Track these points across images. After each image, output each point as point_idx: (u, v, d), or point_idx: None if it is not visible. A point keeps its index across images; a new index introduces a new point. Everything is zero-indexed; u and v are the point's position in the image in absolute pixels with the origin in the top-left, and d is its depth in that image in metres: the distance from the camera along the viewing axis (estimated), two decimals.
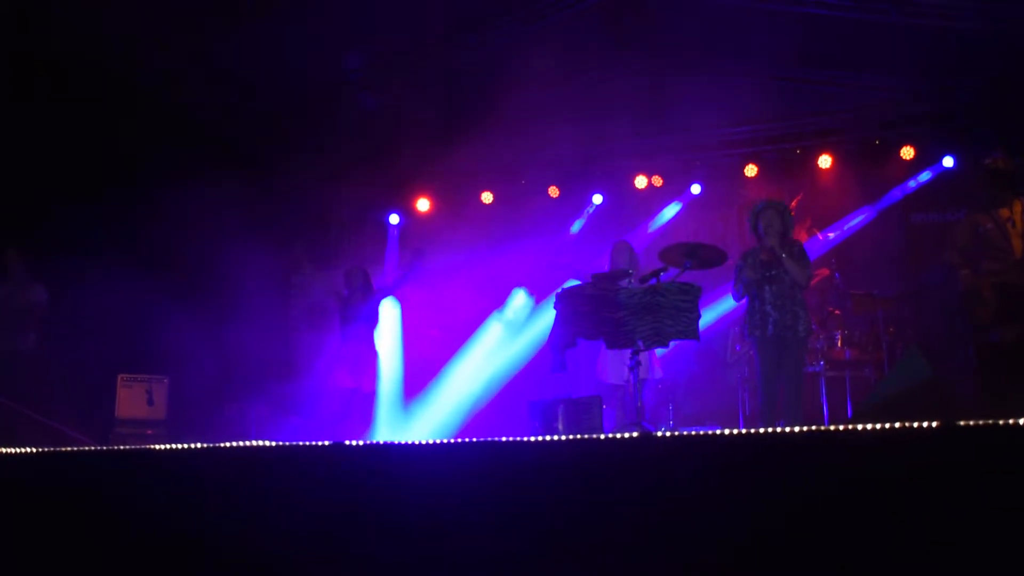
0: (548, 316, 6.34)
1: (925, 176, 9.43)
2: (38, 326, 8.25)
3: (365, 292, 8.49)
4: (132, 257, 8.26)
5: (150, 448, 4.58)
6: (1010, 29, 8.02)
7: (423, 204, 11.18)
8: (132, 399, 8.64)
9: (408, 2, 8.42)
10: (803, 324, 6.25)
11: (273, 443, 4.21)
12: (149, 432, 8.51)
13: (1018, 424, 2.61)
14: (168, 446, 4.23)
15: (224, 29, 8.28)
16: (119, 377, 8.62)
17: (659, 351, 7.24)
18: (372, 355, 8.49)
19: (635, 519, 3.07)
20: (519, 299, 10.15)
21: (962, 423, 2.72)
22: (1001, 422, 2.64)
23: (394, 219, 11.28)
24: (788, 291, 6.25)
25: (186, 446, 4.15)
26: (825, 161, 9.74)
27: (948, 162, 9.31)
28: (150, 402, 8.68)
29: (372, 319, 8.46)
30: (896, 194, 9.53)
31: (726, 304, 9.11)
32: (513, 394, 9.19)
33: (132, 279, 8.04)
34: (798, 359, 6.31)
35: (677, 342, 6.53)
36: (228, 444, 4.26)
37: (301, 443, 4.19)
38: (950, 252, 6.47)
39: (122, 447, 4.81)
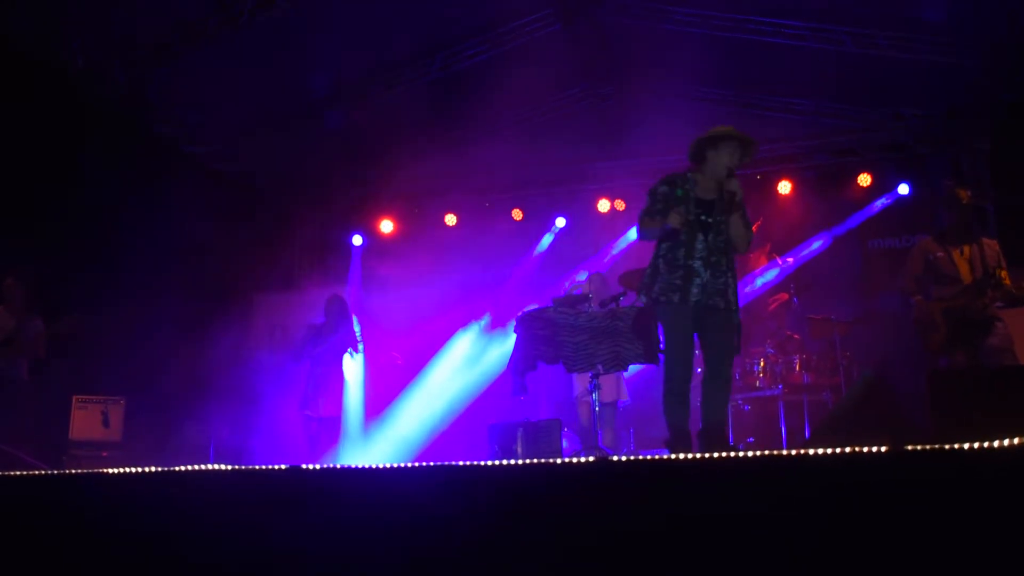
0: (509, 339, 6.33)
1: (881, 203, 9.60)
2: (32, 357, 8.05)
3: (342, 320, 8.45)
4: (88, 275, 8.16)
5: (103, 472, 4.50)
6: (962, 62, 8.21)
7: (386, 225, 11.17)
8: (87, 421, 8.48)
9: (375, 25, 8.42)
10: (733, 294, 4.96)
11: (230, 467, 4.16)
12: (104, 455, 8.35)
13: (963, 449, 2.65)
14: (122, 470, 4.16)
15: (190, 47, 8.23)
16: (74, 398, 8.46)
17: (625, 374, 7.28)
18: (341, 383, 8.46)
19: (590, 544, 3.07)
20: (479, 325, 10.15)
21: (911, 448, 2.75)
22: (947, 447, 2.68)
23: (357, 240, 11.25)
24: (724, 248, 4.96)
25: (141, 470, 4.09)
26: (784, 187, 9.89)
27: (903, 189, 9.51)
28: (106, 424, 8.52)
29: (345, 347, 8.43)
30: (853, 220, 9.68)
31: None
32: (473, 417, 9.16)
33: (88, 297, 7.93)
34: (727, 339, 4.96)
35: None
36: (184, 468, 4.21)
37: (258, 467, 4.15)
38: (903, 279, 6.56)
39: (74, 471, 4.73)
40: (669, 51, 8.87)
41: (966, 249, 6.31)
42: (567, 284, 7.40)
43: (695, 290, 4.83)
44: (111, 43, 8.17)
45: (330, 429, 8.26)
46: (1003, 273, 6.18)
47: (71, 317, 7.77)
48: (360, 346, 8.44)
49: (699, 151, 5.07)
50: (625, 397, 7.56)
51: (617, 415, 7.83)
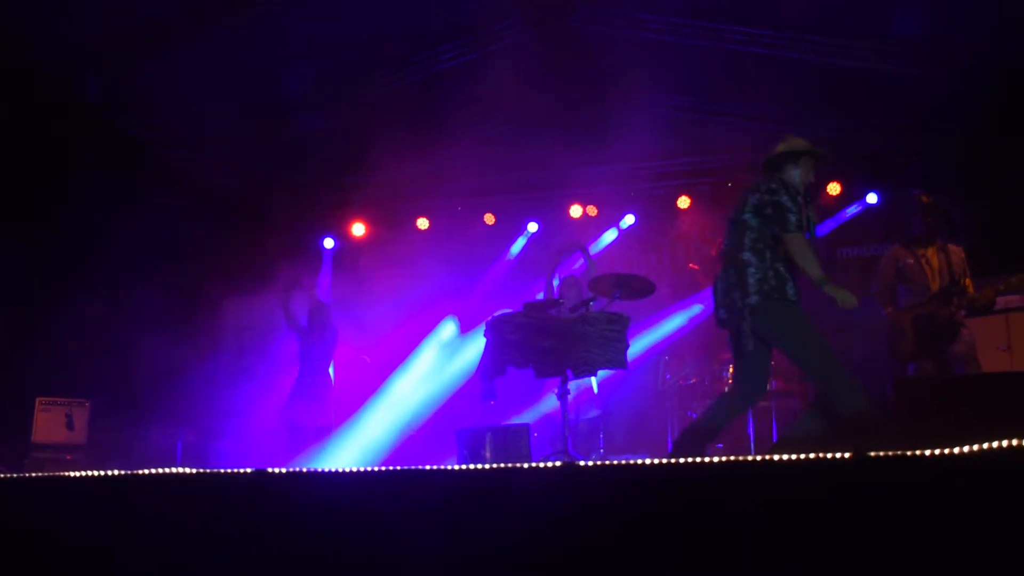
0: (479, 344, 6.31)
1: (851, 211, 9.68)
2: None
3: (324, 327, 8.44)
4: (56, 276, 8.07)
5: (66, 475, 4.44)
6: (934, 74, 8.30)
7: (358, 228, 11.13)
8: (51, 423, 8.38)
9: (350, 27, 8.40)
10: None
11: (195, 470, 4.11)
12: (68, 458, 8.25)
13: (924, 455, 2.67)
14: (85, 473, 4.11)
15: (163, 48, 8.16)
16: (37, 400, 8.35)
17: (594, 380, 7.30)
18: (330, 390, 8.44)
19: (557, 548, 3.06)
20: (448, 329, 10.14)
21: (874, 454, 2.77)
22: (909, 453, 2.70)
23: (329, 243, 11.20)
24: None
25: (104, 473, 4.04)
26: None
27: (872, 198, 9.59)
28: (70, 426, 8.42)
29: (329, 355, 8.45)
30: (823, 228, 9.75)
31: (655, 333, 9.21)
32: (442, 422, 9.14)
33: (55, 298, 7.84)
34: None
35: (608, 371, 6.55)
36: (148, 471, 4.15)
37: (223, 470, 4.11)
38: (876, 287, 6.62)
39: (35, 474, 4.66)
40: (642, 59, 8.90)
41: (933, 256, 6.38)
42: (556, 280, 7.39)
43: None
44: (81, 45, 8.08)
45: (317, 438, 8.21)
46: (967, 281, 6.25)
47: None
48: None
49: (780, 163, 5.15)
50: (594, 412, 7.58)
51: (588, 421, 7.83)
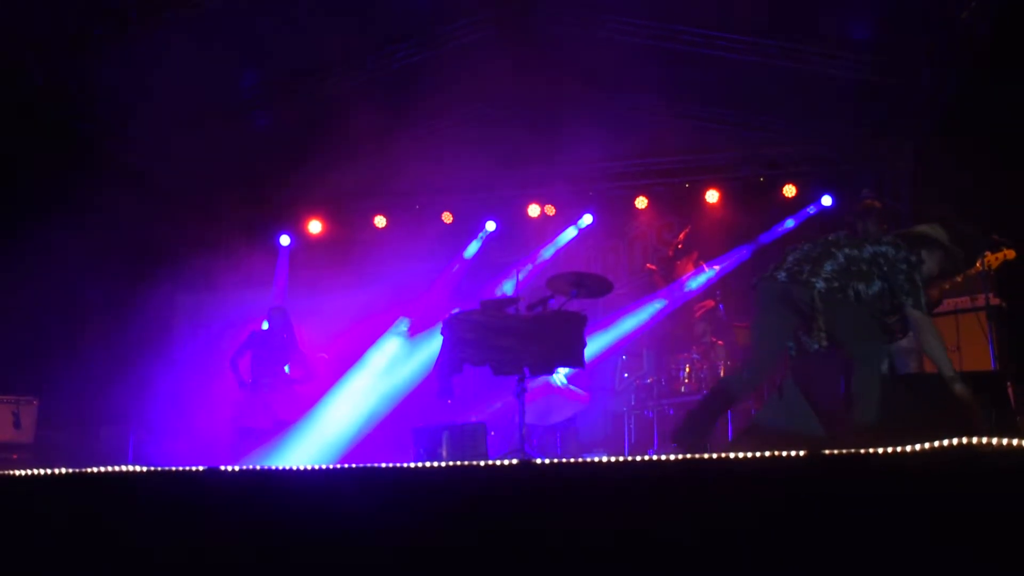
0: (436, 342, 6.29)
1: (805, 214, 9.80)
2: None
3: (284, 332, 8.45)
4: (4, 273, 7.90)
5: (12, 474, 4.34)
6: (888, 82, 8.43)
7: (315, 226, 11.05)
8: None
9: (307, 25, 8.33)
10: None
11: (146, 468, 4.05)
12: (15, 457, 8.07)
13: (877, 453, 2.71)
14: (31, 471, 4.02)
15: (112, 40, 8.01)
16: None
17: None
18: (284, 392, 8.45)
19: (513, 546, 3.06)
20: (402, 328, 10.11)
21: (828, 452, 2.81)
22: (862, 451, 2.74)
23: (285, 240, 11.10)
24: None
25: (51, 471, 3.95)
26: (712, 196, 10.05)
27: (827, 201, 9.72)
28: (17, 425, 8.23)
29: (284, 361, 8.47)
30: (778, 230, 9.86)
31: (613, 333, 9.26)
32: (399, 420, 9.10)
33: (2, 294, 7.68)
34: None
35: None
36: (97, 469, 4.08)
37: (174, 468, 4.04)
38: None
39: None
40: (603, 59, 8.94)
41: None
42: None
43: None
44: (24, 36, 7.90)
45: (268, 437, 8.18)
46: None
47: None
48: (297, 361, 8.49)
49: (917, 243, 4.95)
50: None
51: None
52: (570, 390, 7.63)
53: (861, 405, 4.69)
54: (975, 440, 2.69)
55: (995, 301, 6.25)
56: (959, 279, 6.10)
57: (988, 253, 6.31)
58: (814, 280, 4.83)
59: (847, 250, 4.92)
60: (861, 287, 4.81)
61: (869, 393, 4.71)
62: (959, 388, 4.47)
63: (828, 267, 4.86)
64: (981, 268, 6.20)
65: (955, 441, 2.72)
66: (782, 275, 4.94)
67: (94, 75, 8.41)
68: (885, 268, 4.82)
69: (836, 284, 4.81)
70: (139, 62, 8.18)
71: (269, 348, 8.48)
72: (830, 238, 5.06)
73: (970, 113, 7.62)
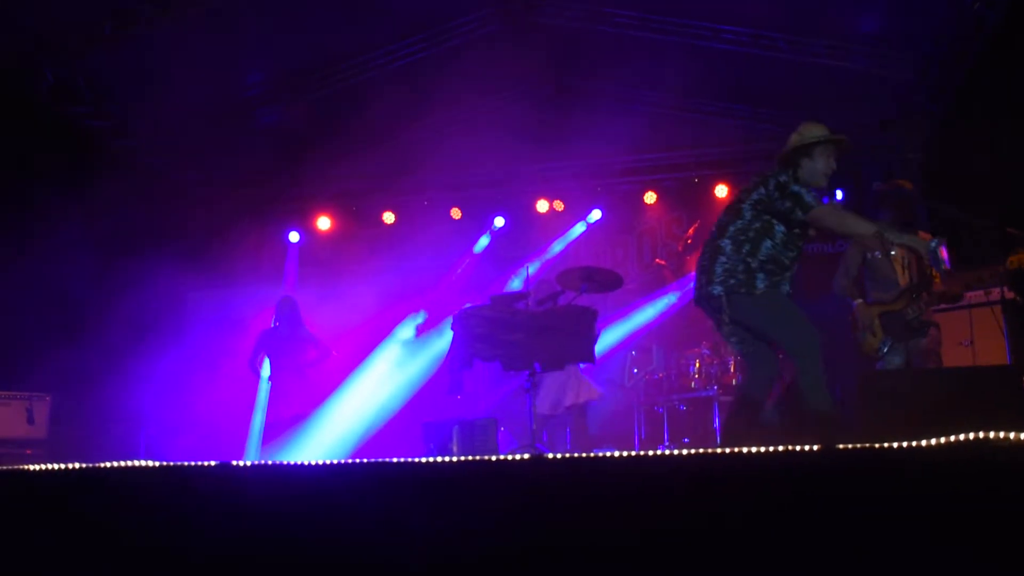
0: (446, 337, 6.29)
1: None
2: None
3: (293, 323, 8.48)
4: (13, 273, 7.92)
5: (23, 468, 4.35)
6: (896, 73, 8.38)
7: (324, 222, 11.06)
8: (10, 417, 8.23)
9: (313, 20, 8.32)
10: None
11: (157, 463, 4.05)
12: (28, 452, 8.12)
13: (892, 447, 2.70)
14: (44, 466, 4.03)
15: (122, 39, 8.02)
16: None
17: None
18: (301, 384, 8.51)
19: (524, 540, 3.05)
20: (416, 321, 10.12)
21: (841, 447, 2.79)
22: (877, 445, 2.72)
23: (294, 237, 11.11)
24: None
25: (64, 466, 3.97)
26: (722, 190, 10.01)
27: (838, 195, 9.67)
28: (30, 421, 8.28)
29: (298, 351, 8.52)
30: None
31: (623, 328, 9.24)
32: (410, 415, 9.11)
33: (14, 293, 7.71)
34: None
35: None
36: (110, 464, 4.09)
37: (186, 463, 4.05)
38: (841, 279, 6.48)
39: None
40: (609, 54, 8.92)
41: (900, 250, 6.22)
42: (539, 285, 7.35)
43: None
44: (36, 35, 7.92)
45: (287, 429, 8.23)
46: (936, 276, 6.17)
47: None
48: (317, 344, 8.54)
49: (793, 159, 4.89)
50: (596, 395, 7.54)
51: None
52: (583, 378, 7.62)
53: (810, 397, 4.55)
54: (991, 435, 2.67)
55: (1010, 295, 6.19)
56: (984, 273, 5.99)
57: (1011, 256, 6.20)
58: (711, 289, 4.75)
59: (731, 230, 4.78)
60: (759, 257, 4.69)
61: (813, 381, 4.57)
62: (892, 237, 4.46)
63: (719, 269, 4.75)
64: (1004, 269, 6.11)
65: (971, 435, 2.70)
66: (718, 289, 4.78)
67: (104, 73, 8.43)
68: (768, 209, 4.70)
69: (733, 280, 4.70)
70: (147, 60, 8.19)
71: (279, 342, 8.53)
72: (713, 232, 4.91)
73: (980, 103, 7.58)
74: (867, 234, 4.62)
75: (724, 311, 4.73)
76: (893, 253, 6.24)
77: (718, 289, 4.72)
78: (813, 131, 4.91)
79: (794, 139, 4.92)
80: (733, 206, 4.87)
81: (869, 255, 6.36)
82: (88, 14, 7.81)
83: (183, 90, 8.52)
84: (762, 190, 4.76)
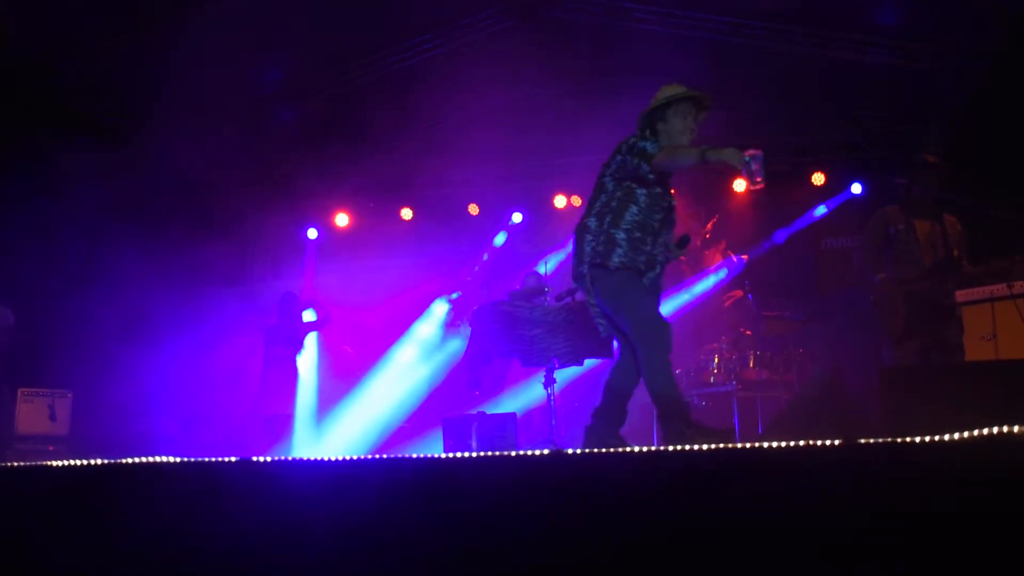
0: (464, 333, 6.30)
1: (834, 202, 9.71)
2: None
3: (294, 318, 8.55)
4: (36, 268, 7.98)
5: (46, 464, 4.39)
6: (915, 66, 8.32)
7: (342, 219, 11.08)
8: (33, 414, 8.33)
9: (332, 15, 8.33)
10: None
11: (178, 459, 4.08)
12: (51, 448, 8.21)
13: (913, 441, 2.68)
14: (66, 462, 4.07)
15: (142, 38, 8.08)
16: (19, 391, 8.30)
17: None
18: (295, 380, 8.59)
19: (543, 536, 3.05)
20: (439, 309, 10.12)
21: (863, 441, 2.77)
22: (899, 440, 2.70)
23: (312, 234, 11.14)
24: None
25: (85, 462, 4.00)
26: (740, 185, 9.96)
27: (856, 189, 9.63)
28: (52, 417, 8.37)
29: (298, 345, 8.59)
30: (807, 219, 9.78)
31: None
32: (429, 411, 9.13)
33: (35, 290, 7.77)
34: None
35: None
36: (130, 460, 4.11)
37: (207, 459, 4.07)
38: (862, 254, 6.20)
39: (16, 464, 4.62)
40: (626, 49, 8.88)
41: (927, 225, 5.97)
42: (527, 278, 7.30)
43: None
44: (56, 35, 7.97)
45: (280, 426, 8.28)
46: (964, 258, 5.98)
47: None
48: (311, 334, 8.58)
49: (649, 124, 4.69)
50: None
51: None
52: None
53: (650, 386, 4.48)
54: (1016, 429, 2.64)
55: None
56: (1004, 264, 5.87)
57: None
58: (580, 268, 4.62)
59: (596, 206, 4.65)
60: (623, 227, 4.52)
61: (654, 373, 4.48)
62: (711, 155, 4.29)
63: (587, 248, 4.60)
64: None
65: (995, 430, 2.67)
66: None
67: (124, 72, 8.47)
68: (626, 175, 4.56)
69: (596, 256, 4.55)
70: (166, 58, 8.23)
71: (282, 337, 8.60)
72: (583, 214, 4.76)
73: (1001, 96, 7.51)
74: (694, 159, 4.40)
75: (589, 291, 4.58)
76: (919, 228, 5.94)
77: (584, 268, 4.60)
78: (666, 92, 4.69)
79: (652, 103, 4.72)
80: (597, 183, 4.73)
81: (893, 229, 5.99)
82: (108, 14, 7.85)
83: (200, 88, 8.55)
84: (618, 157, 4.61)
